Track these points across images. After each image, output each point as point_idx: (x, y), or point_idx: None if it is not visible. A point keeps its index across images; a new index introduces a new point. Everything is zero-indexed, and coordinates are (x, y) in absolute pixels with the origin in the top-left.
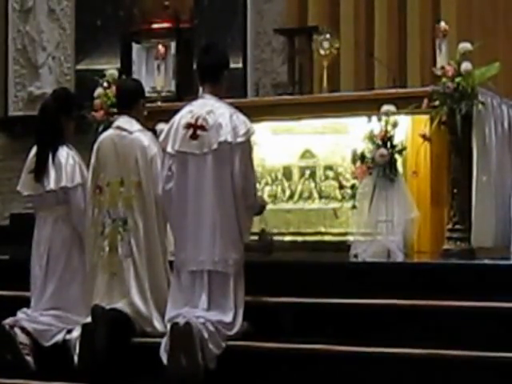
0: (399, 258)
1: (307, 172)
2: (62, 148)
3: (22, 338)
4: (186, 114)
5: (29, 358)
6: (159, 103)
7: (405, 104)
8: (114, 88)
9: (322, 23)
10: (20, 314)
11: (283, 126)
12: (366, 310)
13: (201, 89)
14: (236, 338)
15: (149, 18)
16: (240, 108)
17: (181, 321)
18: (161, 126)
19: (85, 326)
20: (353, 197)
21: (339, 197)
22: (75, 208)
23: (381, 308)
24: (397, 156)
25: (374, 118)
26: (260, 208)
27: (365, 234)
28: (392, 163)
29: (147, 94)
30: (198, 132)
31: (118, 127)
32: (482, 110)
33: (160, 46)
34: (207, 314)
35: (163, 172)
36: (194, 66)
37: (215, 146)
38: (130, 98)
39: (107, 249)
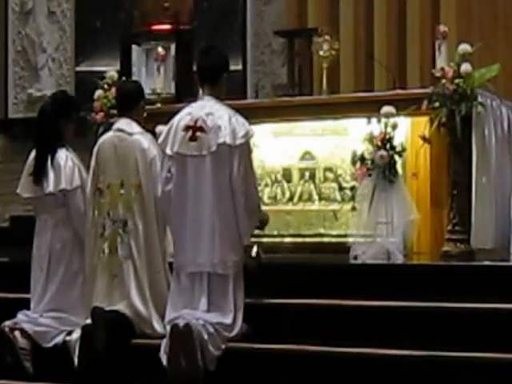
0: (399, 259)
1: (307, 174)
2: (61, 150)
3: (22, 342)
4: (185, 115)
5: (27, 364)
6: (159, 105)
7: (404, 105)
8: (113, 90)
9: (321, 25)
10: (20, 316)
11: (283, 127)
12: (365, 312)
13: (200, 90)
14: (236, 339)
15: (149, 20)
16: (240, 110)
17: (180, 322)
18: (160, 128)
19: (85, 328)
20: (352, 198)
21: (339, 198)
22: (75, 210)
23: (380, 309)
24: (396, 157)
25: (374, 120)
26: (262, 223)
27: (364, 235)
28: (392, 165)
29: (147, 96)
30: (197, 134)
31: (118, 129)
32: (481, 112)
33: (160, 48)
34: (207, 316)
35: (162, 174)
36: (194, 68)
37: (214, 147)
38: (129, 100)
39: (107, 250)
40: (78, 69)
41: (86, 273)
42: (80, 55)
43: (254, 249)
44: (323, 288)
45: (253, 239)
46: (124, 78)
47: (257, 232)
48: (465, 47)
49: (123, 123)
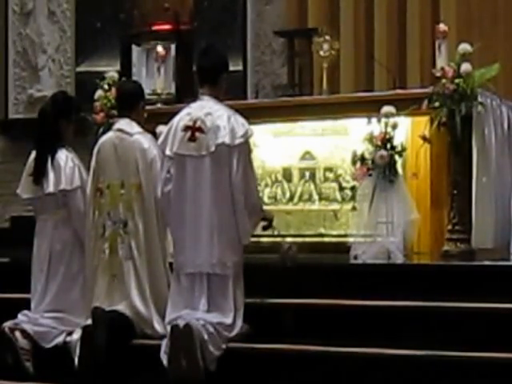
0: (399, 259)
1: (307, 174)
2: (61, 151)
3: (22, 343)
4: (184, 116)
5: (28, 364)
6: (159, 105)
7: (404, 105)
8: (114, 90)
9: (321, 25)
10: (21, 317)
11: (283, 127)
12: (365, 312)
13: (200, 91)
14: (236, 339)
15: (149, 20)
16: (240, 110)
17: (181, 323)
18: (160, 129)
19: (85, 328)
20: (353, 198)
21: (339, 198)
22: (75, 211)
23: (381, 309)
24: (397, 157)
25: (374, 120)
26: (267, 220)
27: (365, 235)
28: (392, 165)
29: (147, 97)
30: (197, 134)
31: (119, 129)
32: (481, 111)
33: (160, 48)
34: (207, 316)
35: (162, 174)
36: (194, 68)
37: (213, 148)
38: (130, 101)
39: (107, 251)
40: (79, 69)
41: (87, 273)
42: (80, 56)
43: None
44: (323, 288)
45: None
46: (124, 79)
47: (257, 232)
48: (465, 47)
49: (123, 123)
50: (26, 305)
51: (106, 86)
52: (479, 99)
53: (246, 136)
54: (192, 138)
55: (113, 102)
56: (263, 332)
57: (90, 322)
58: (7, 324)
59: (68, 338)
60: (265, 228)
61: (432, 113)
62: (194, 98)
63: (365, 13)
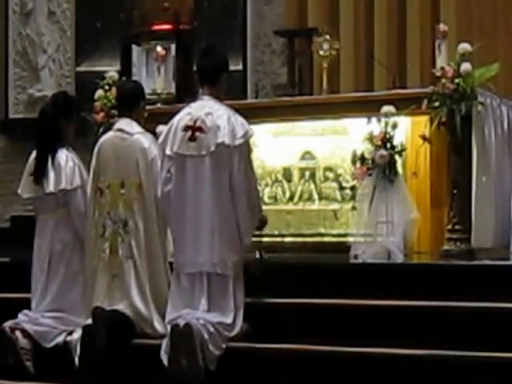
0: (399, 258)
1: (307, 173)
2: (62, 151)
3: (23, 342)
4: (184, 115)
5: (28, 364)
6: (159, 105)
7: (404, 105)
8: (114, 90)
9: (321, 25)
10: (21, 316)
11: (283, 127)
12: (366, 311)
13: (200, 90)
14: (236, 339)
15: (149, 20)
16: (240, 110)
17: (181, 322)
18: (160, 128)
19: (85, 328)
20: (353, 198)
21: (339, 198)
22: (75, 210)
23: (381, 309)
24: (396, 157)
25: (374, 119)
26: (262, 223)
27: (365, 235)
28: (392, 164)
29: (147, 96)
30: (197, 134)
31: (119, 129)
32: (481, 111)
33: (160, 48)
34: (207, 316)
35: (162, 174)
36: (194, 68)
37: (213, 148)
38: (130, 100)
39: (108, 251)
40: (79, 69)
41: (87, 273)
42: (80, 55)
43: (256, 253)
44: (323, 288)
45: (253, 239)
46: (124, 78)
47: (256, 232)
48: (465, 46)
49: (124, 123)
50: (26, 305)
51: (106, 86)
52: (479, 99)
53: (246, 136)
54: (192, 138)
55: (113, 102)
56: (263, 332)
57: (90, 321)
58: (8, 324)
59: (68, 338)
60: (256, 229)
61: (432, 112)
62: (193, 97)
63: (365, 13)
